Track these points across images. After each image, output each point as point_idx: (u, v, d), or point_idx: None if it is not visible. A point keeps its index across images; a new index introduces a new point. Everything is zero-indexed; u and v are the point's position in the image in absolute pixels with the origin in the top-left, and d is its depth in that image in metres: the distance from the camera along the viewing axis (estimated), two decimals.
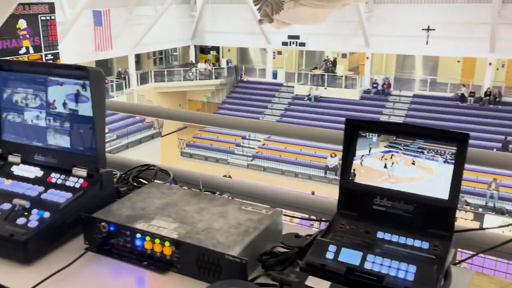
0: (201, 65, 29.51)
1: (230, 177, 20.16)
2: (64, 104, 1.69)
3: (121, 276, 1.37)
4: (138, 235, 1.40)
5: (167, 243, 1.35)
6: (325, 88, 26.43)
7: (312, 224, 1.73)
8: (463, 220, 17.38)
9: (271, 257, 1.36)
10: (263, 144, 23.64)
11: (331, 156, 20.55)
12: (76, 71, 1.65)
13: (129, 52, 25.84)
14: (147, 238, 1.38)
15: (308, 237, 1.45)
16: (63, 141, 1.70)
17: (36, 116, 1.75)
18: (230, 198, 1.65)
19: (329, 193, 15.81)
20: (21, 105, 1.77)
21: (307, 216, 1.78)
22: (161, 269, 1.36)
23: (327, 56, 28.38)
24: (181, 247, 1.33)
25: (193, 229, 1.40)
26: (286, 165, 22.00)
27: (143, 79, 27.66)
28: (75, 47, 21.63)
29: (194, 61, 30.41)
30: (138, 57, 28.32)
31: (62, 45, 19.74)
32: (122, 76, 26.25)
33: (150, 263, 1.38)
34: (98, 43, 22.92)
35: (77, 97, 1.66)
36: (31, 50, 18.24)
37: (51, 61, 18.90)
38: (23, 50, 17.89)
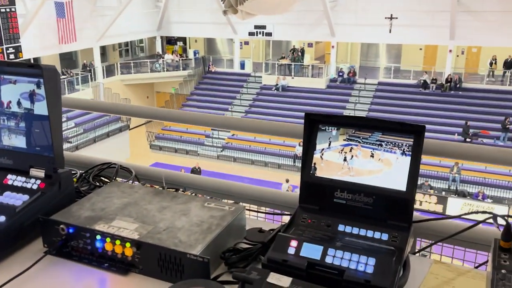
0: (168, 56, 29.08)
1: (199, 168, 20.10)
2: (19, 103, 1.62)
3: (82, 279, 1.33)
4: (98, 237, 1.36)
5: (128, 244, 1.32)
6: (292, 78, 26.53)
7: (281, 216, 1.72)
8: (427, 203, 17.87)
9: (234, 254, 1.34)
10: (232, 135, 23.59)
11: (299, 145, 20.71)
12: (29, 69, 1.58)
13: (93, 44, 25.19)
14: (108, 239, 1.35)
15: (271, 231, 1.44)
16: (19, 142, 1.64)
17: None
18: (193, 195, 1.62)
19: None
20: None
21: (271, 210, 1.77)
22: (123, 271, 1.33)
23: (294, 46, 28.45)
24: (142, 247, 1.30)
25: (154, 228, 1.37)
26: (256, 155, 22.06)
27: (109, 72, 27.06)
28: (37, 40, 20.93)
29: (161, 53, 29.94)
30: (103, 49, 27.68)
31: (24, 38, 19.07)
32: (88, 68, 25.61)
33: (111, 264, 1.35)
34: (61, 36, 22.20)
35: (32, 96, 1.59)
36: None
37: (12, 55, 18.25)
38: None
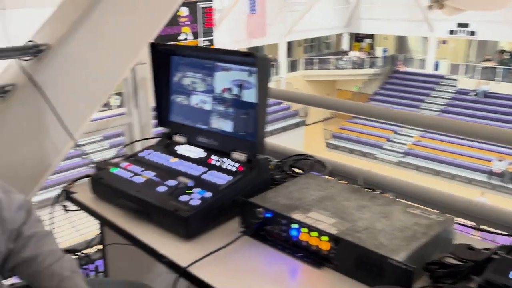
0: (354, 53, 29.00)
1: None
2: (230, 89, 1.78)
3: (275, 264, 1.40)
4: (295, 226, 1.41)
5: (324, 238, 1.34)
6: (497, 83, 23.97)
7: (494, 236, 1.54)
8: None
9: (440, 268, 1.26)
10: (417, 141, 22.45)
11: (498, 160, 18.71)
12: (243, 58, 1.72)
13: (281, 39, 26.49)
14: (304, 230, 1.39)
15: (485, 251, 1.32)
16: (226, 125, 1.80)
17: (202, 99, 1.87)
18: (393, 198, 1.57)
19: (498, 201, 14.47)
20: (189, 89, 1.91)
21: (485, 227, 1.62)
22: (316, 264, 1.35)
23: (502, 47, 25.72)
24: (340, 243, 1.30)
25: (352, 226, 1.36)
26: (442, 165, 20.59)
27: (292, 67, 28.22)
28: (228, 34, 22.83)
29: (345, 49, 30.03)
30: (288, 44, 28.92)
31: (217, 32, 21.01)
32: (272, 63, 27.08)
33: (305, 255, 1.39)
34: (251, 30, 23.85)
35: (242, 83, 1.73)
36: (190, 37, 19.83)
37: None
38: (182, 36, 19.49)
